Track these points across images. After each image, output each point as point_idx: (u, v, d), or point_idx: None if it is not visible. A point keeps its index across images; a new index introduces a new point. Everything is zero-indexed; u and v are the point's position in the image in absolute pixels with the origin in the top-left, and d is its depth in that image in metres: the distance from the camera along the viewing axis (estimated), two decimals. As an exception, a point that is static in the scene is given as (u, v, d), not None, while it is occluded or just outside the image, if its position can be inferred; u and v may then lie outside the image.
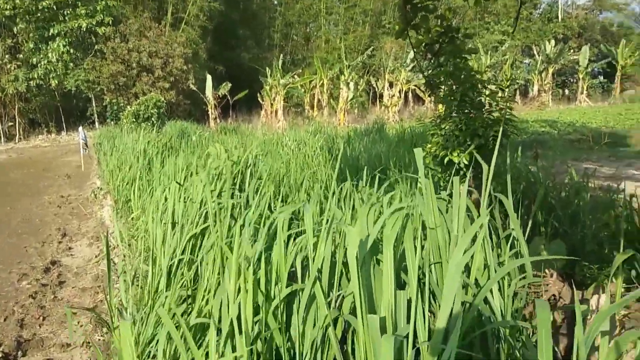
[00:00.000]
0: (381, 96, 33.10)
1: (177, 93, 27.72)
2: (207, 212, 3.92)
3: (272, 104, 27.91)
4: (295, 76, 29.31)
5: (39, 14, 23.89)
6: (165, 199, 4.88)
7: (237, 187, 5.31)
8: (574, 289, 2.78)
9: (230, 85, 26.75)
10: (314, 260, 2.53)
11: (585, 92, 35.29)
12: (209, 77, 26.14)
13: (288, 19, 42.21)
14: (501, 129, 3.24)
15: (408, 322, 2.20)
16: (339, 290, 2.62)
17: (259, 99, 29.13)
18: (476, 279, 2.58)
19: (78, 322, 4.24)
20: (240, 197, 4.50)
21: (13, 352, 3.71)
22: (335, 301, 2.58)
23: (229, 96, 26.44)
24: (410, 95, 35.26)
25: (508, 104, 4.59)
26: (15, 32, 24.17)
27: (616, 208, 4.50)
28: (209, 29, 33.09)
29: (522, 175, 5.66)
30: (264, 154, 8.57)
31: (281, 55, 30.64)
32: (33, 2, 23.39)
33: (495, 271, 2.51)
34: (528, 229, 3.35)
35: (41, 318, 4.35)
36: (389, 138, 13.04)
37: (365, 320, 2.09)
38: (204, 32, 32.39)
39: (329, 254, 2.52)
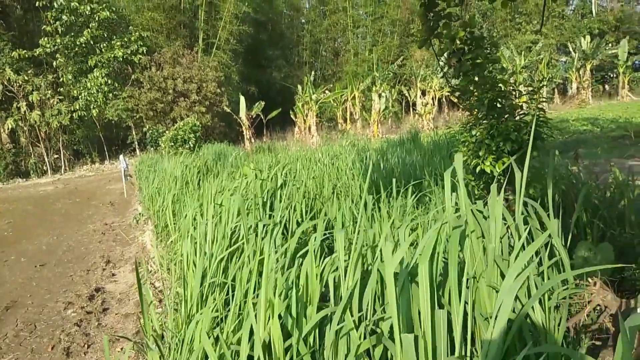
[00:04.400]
0: (414, 105, 32.82)
1: (213, 116, 28.36)
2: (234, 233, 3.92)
3: (305, 120, 28.12)
4: (327, 91, 29.48)
5: (76, 49, 25.10)
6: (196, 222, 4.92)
7: (268, 206, 5.32)
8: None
9: (263, 104, 27.17)
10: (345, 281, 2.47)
11: (626, 86, 33.84)
12: (242, 98, 26.63)
13: (316, 36, 42.68)
14: (532, 131, 3.09)
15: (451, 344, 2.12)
16: (373, 313, 2.54)
17: (292, 116, 29.43)
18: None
19: (121, 349, 4.32)
20: (271, 216, 4.50)
21: (59, 381, 3.80)
22: (373, 324, 2.50)
23: (262, 115, 26.83)
24: (444, 101, 34.83)
25: (539, 105, 4.42)
26: (55, 67, 25.37)
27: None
28: (239, 52, 33.80)
29: (563, 177, 5.42)
30: (292, 172, 8.57)
31: (312, 72, 30.93)
32: (71, 39, 24.60)
33: (535, 284, 2.39)
34: (570, 233, 3.20)
35: (86, 346, 4.45)
36: (423, 147, 12.84)
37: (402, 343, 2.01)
38: (235, 55, 33.11)
39: (359, 276, 2.46)
